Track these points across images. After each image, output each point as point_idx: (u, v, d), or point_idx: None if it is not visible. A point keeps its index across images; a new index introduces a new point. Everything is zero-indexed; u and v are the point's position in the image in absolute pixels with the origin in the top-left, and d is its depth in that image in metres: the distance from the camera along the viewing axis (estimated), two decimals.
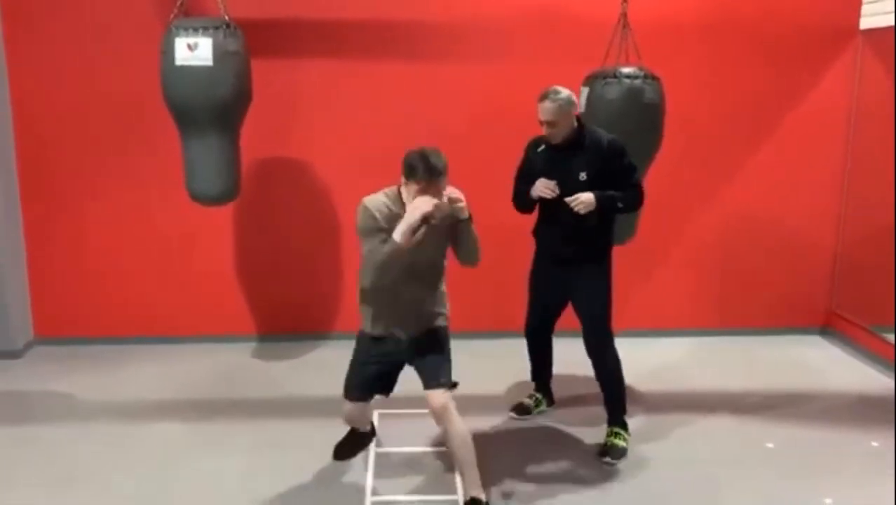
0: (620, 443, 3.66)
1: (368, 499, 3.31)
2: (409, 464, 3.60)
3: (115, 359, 4.81)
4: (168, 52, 3.85)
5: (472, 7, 4.79)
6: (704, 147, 5.03)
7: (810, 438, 3.87)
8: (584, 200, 3.40)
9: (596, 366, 3.69)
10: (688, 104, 4.72)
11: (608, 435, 3.70)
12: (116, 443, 3.78)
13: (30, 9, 4.64)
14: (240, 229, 5.01)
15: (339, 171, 4.89)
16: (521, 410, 4.07)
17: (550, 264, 3.73)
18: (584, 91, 3.99)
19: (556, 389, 4.17)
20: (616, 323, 3.73)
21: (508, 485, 3.40)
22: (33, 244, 4.92)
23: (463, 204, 3.03)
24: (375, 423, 3.90)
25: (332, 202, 4.98)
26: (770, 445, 3.78)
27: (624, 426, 3.73)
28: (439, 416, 3.08)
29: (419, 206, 2.92)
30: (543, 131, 3.52)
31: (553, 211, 3.56)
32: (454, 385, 3.14)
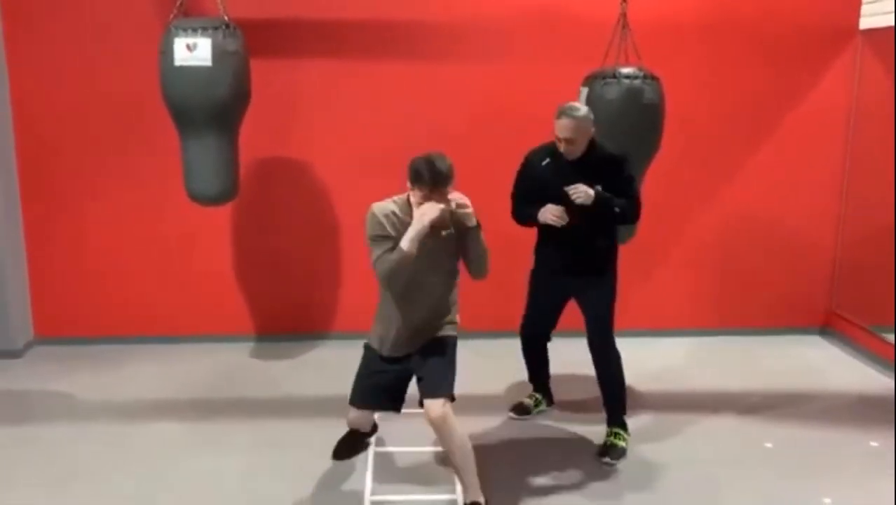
0: (620, 443, 3.66)
1: (368, 499, 3.31)
2: (409, 464, 3.61)
3: (114, 358, 4.81)
4: (167, 52, 3.85)
5: (472, 7, 4.79)
6: (704, 147, 5.03)
7: (810, 437, 3.87)
8: (583, 190, 3.38)
9: (598, 365, 3.69)
10: (687, 104, 4.72)
11: (608, 435, 3.70)
12: (116, 442, 3.78)
13: (30, 9, 4.64)
14: (239, 229, 5.01)
15: (338, 171, 4.89)
16: (520, 409, 4.07)
17: (555, 272, 3.72)
18: (584, 91, 3.99)
19: (556, 389, 4.18)
20: (616, 323, 3.73)
21: (508, 485, 3.39)
22: (33, 244, 4.92)
23: (470, 210, 3.01)
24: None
25: (331, 202, 4.98)
26: (769, 445, 3.78)
27: (623, 427, 3.73)
28: (437, 427, 3.06)
29: (426, 212, 2.91)
30: (560, 147, 3.49)
31: (557, 233, 3.52)
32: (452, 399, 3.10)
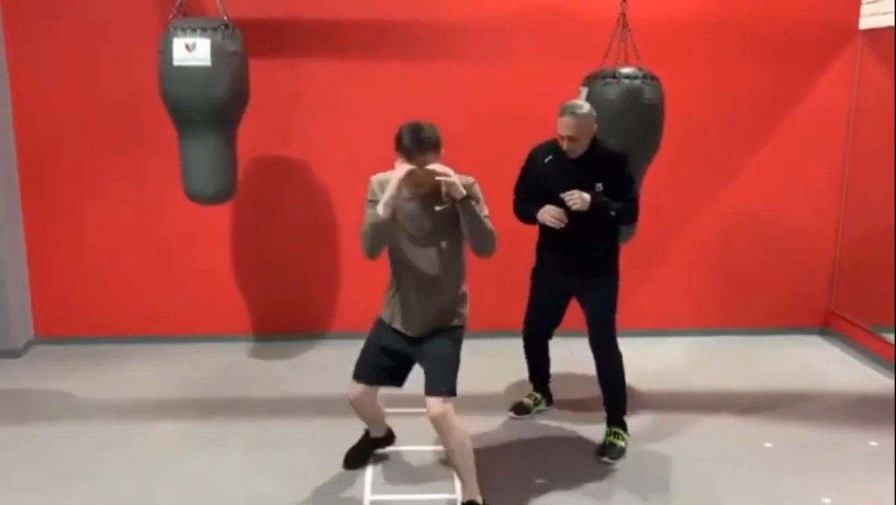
0: (619, 443, 3.66)
1: (367, 498, 3.31)
2: (408, 463, 3.60)
3: (114, 358, 4.81)
4: (166, 52, 3.85)
5: (472, 7, 4.79)
6: (704, 147, 5.03)
7: (809, 437, 3.87)
8: (579, 196, 3.38)
9: (599, 365, 3.69)
10: (687, 104, 4.72)
11: (607, 435, 3.70)
12: (115, 442, 3.78)
13: (30, 9, 4.65)
14: (239, 229, 5.01)
15: (337, 171, 4.89)
16: (520, 409, 4.07)
17: (556, 272, 3.72)
18: (584, 91, 3.99)
19: (556, 389, 4.18)
20: (617, 323, 3.73)
21: (507, 484, 3.39)
22: (33, 244, 4.92)
23: (451, 180, 2.89)
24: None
25: (330, 202, 4.98)
26: (769, 445, 3.78)
27: (623, 426, 3.73)
28: (437, 424, 3.06)
29: (396, 172, 2.91)
30: (563, 145, 3.49)
31: (558, 234, 3.52)
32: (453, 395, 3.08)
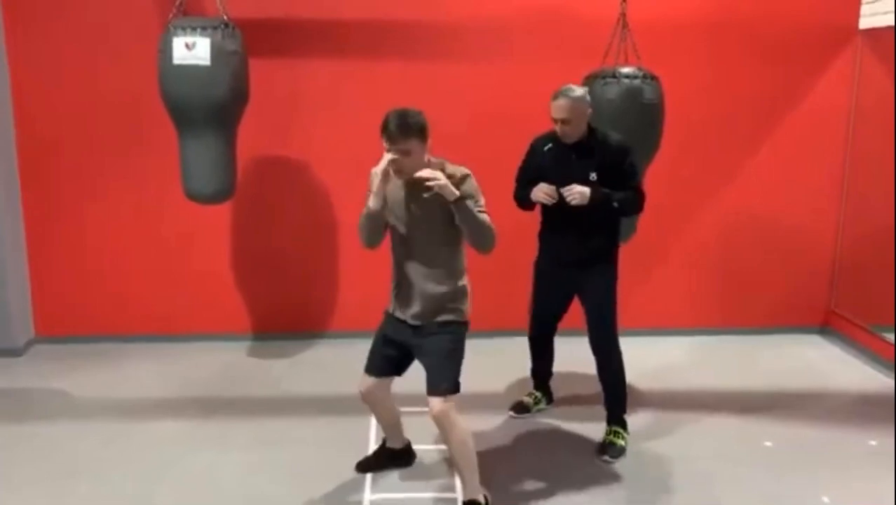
0: (619, 442, 3.66)
1: (368, 496, 3.32)
2: None
3: (114, 357, 4.82)
4: (166, 51, 3.86)
5: (472, 7, 4.79)
6: (704, 147, 5.04)
7: (809, 436, 3.87)
8: (578, 192, 3.39)
9: (600, 364, 3.70)
10: (687, 104, 4.72)
11: (607, 434, 3.70)
12: (115, 440, 3.78)
13: (31, 9, 4.65)
14: (238, 229, 5.02)
15: (337, 170, 4.89)
16: (520, 408, 4.07)
17: (556, 267, 3.72)
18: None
19: (556, 388, 4.18)
20: (618, 322, 3.73)
21: (507, 483, 3.40)
22: (34, 244, 4.93)
23: (441, 182, 2.86)
24: (374, 421, 3.91)
25: (330, 202, 4.99)
26: (769, 444, 3.78)
27: (623, 425, 3.73)
28: (438, 423, 3.05)
29: (380, 164, 2.93)
30: (557, 129, 3.49)
31: (559, 216, 3.54)
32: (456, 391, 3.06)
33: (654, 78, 3.99)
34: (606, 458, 3.60)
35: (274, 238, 5.03)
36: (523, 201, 3.67)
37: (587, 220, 3.50)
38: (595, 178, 3.45)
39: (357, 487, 3.39)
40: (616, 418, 3.72)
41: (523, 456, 3.67)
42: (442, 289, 3.08)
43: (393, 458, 3.54)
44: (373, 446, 3.67)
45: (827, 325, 5.31)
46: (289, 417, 4.05)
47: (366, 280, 4.84)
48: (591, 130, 3.52)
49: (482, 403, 4.11)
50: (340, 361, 4.64)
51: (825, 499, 3.31)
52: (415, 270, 3.08)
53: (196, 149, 4.02)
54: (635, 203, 3.55)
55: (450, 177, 2.93)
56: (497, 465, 3.53)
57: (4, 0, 4.64)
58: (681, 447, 3.75)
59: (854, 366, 4.82)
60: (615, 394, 3.73)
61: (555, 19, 4.80)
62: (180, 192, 4.18)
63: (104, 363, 4.74)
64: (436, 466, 3.55)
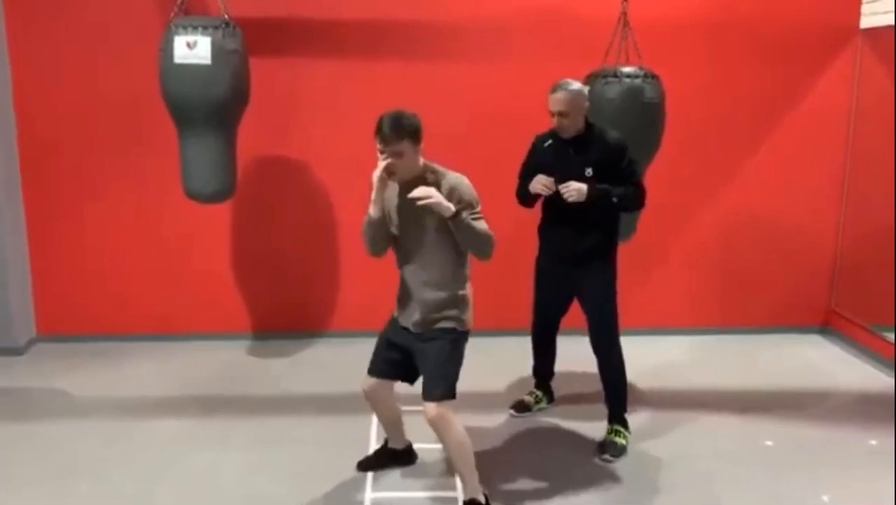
0: (620, 440, 3.67)
1: (368, 495, 3.32)
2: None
3: (115, 356, 4.82)
4: (167, 50, 3.86)
5: (472, 7, 4.79)
6: (705, 146, 5.04)
7: (809, 436, 3.87)
8: (575, 188, 3.40)
9: (601, 363, 3.70)
10: (688, 103, 4.72)
11: (608, 432, 3.71)
12: (116, 439, 3.79)
13: (32, 9, 4.65)
14: (238, 228, 5.02)
15: (337, 170, 4.89)
16: (521, 407, 4.08)
17: (555, 263, 3.72)
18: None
19: (557, 387, 4.18)
20: (619, 321, 3.73)
21: (508, 482, 3.40)
22: (35, 243, 4.93)
23: (434, 201, 2.86)
24: (375, 420, 3.92)
25: (330, 201, 4.99)
26: (769, 443, 3.78)
27: (624, 424, 3.73)
28: (434, 427, 3.06)
29: (375, 172, 2.94)
30: (554, 123, 3.51)
31: (559, 210, 3.55)
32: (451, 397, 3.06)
33: (654, 77, 3.99)
34: (607, 456, 3.60)
35: (274, 237, 5.04)
36: (524, 197, 3.68)
37: (585, 217, 3.51)
38: (591, 173, 3.47)
39: (358, 485, 3.39)
40: (617, 417, 3.73)
41: (524, 455, 3.68)
42: (441, 295, 3.06)
43: (394, 458, 3.54)
44: (373, 445, 3.67)
45: (827, 324, 5.31)
46: (289, 417, 4.05)
47: (366, 280, 4.85)
48: (588, 126, 3.54)
49: (483, 401, 4.11)
50: (340, 361, 4.65)
51: (825, 498, 3.31)
52: (413, 277, 3.09)
53: (196, 148, 4.02)
54: (635, 198, 3.55)
55: (440, 185, 2.94)
56: (497, 463, 3.53)
57: (7, 0, 4.64)
58: (681, 446, 3.75)
59: (854, 365, 4.82)
60: (616, 392, 3.73)
61: (554, 19, 4.81)
62: (181, 192, 4.18)
63: (105, 362, 4.74)
64: (436, 465, 3.55)
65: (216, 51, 3.84)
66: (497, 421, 3.99)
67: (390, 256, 3.21)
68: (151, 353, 4.87)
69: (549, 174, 3.51)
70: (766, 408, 4.18)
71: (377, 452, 3.57)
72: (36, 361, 4.81)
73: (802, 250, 5.22)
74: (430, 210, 2.93)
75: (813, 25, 4.93)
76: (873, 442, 3.80)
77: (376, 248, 3.10)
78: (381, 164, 2.93)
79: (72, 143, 4.82)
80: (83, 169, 4.85)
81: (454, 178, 3.00)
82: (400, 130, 2.90)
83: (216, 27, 3.87)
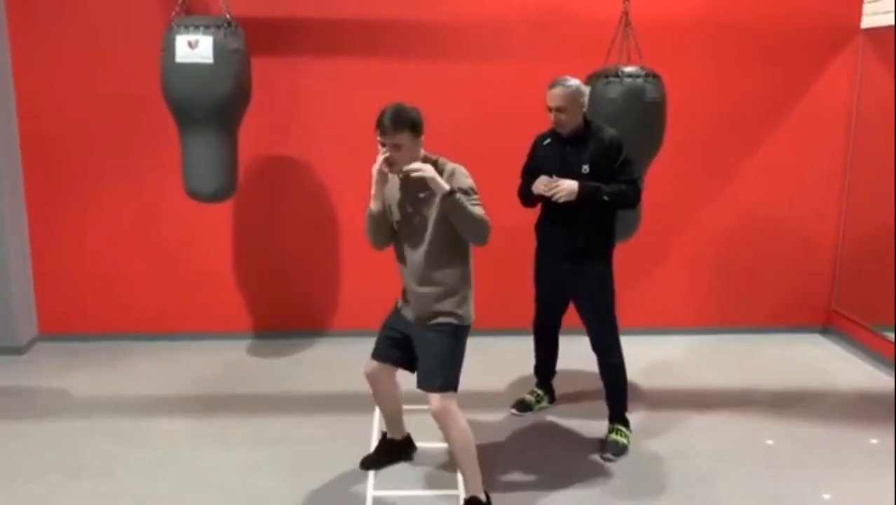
0: (621, 439, 3.67)
1: (370, 493, 3.33)
2: (411, 459, 3.61)
3: (117, 355, 4.83)
4: (169, 49, 3.86)
5: (475, 6, 4.80)
6: (706, 146, 5.04)
7: (810, 434, 3.88)
8: (565, 188, 3.41)
9: (601, 362, 3.71)
10: (689, 103, 4.72)
11: (609, 431, 3.71)
12: (118, 438, 3.79)
13: (33, 8, 4.66)
14: (240, 227, 5.03)
15: (339, 169, 4.90)
16: (522, 406, 4.08)
17: (551, 261, 3.73)
18: (586, 90, 4.00)
19: (558, 385, 4.19)
20: (618, 320, 3.74)
21: (509, 481, 3.41)
22: (38, 243, 4.94)
23: (429, 175, 2.88)
24: (377, 418, 3.93)
25: (331, 200, 4.99)
26: (770, 442, 3.79)
27: (625, 423, 3.74)
28: (437, 419, 3.07)
29: (375, 165, 2.97)
30: (551, 119, 3.53)
31: (555, 208, 3.56)
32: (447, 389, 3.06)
33: (656, 77, 3.99)
34: (608, 455, 3.61)
35: (275, 237, 5.04)
36: (526, 197, 3.70)
37: (581, 215, 3.52)
38: (588, 169, 3.48)
39: (360, 484, 3.40)
40: (618, 416, 3.73)
41: (525, 453, 3.68)
42: (439, 290, 3.06)
43: (394, 449, 3.57)
44: (374, 444, 3.68)
45: (828, 324, 5.32)
46: (290, 416, 4.05)
47: (367, 279, 4.86)
48: (586, 123, 3.56)
49: (484, 400, 4.12)
50: (341, 360, 4.66)
51: (826, 497, 3.32)
52: (412, 271, 3.10)
53: (198, 147, 4.03)
54: (628, 197, 3.53)
55: (441, 172, 2.95)
56: (498, 462, 3.54)
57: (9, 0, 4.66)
58: (682, 445, 3.76)
59: (855, 364, 4.83)
60: (616, 391, 3.74)
61: (555, 19, 4.81)
62: (182, 192, 4.19)
63: (106, 362, 4.75)
64: (438, 464, 3.56)
65: (218, 50, 3.84)
66: (498, 420, 4.00)
67: (391, 254, 3.23)
68: (153, 352, 4.88)
69: (547, 171, 3.53)
70: (767, 407, 4.19)
71: (377, 449, 3.60)
72: (37, 360, 4.81)
73: (803, 250, 5.23)
74: (432, 205, 2.95)
75: (814, 26, 4.93)
76: (874, 441, 3.81)
77: (379, 242, 3.14)
78: (381, 157, 2.95)
79: (74, 144, 4.83)
80: (85, 169, 4.86)
81: (453, 165, 3.03)
82: (400, 122, 2.92)
83: (218, 26, 3.87)
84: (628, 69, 3.96)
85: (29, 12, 4.66)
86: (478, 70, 4.86)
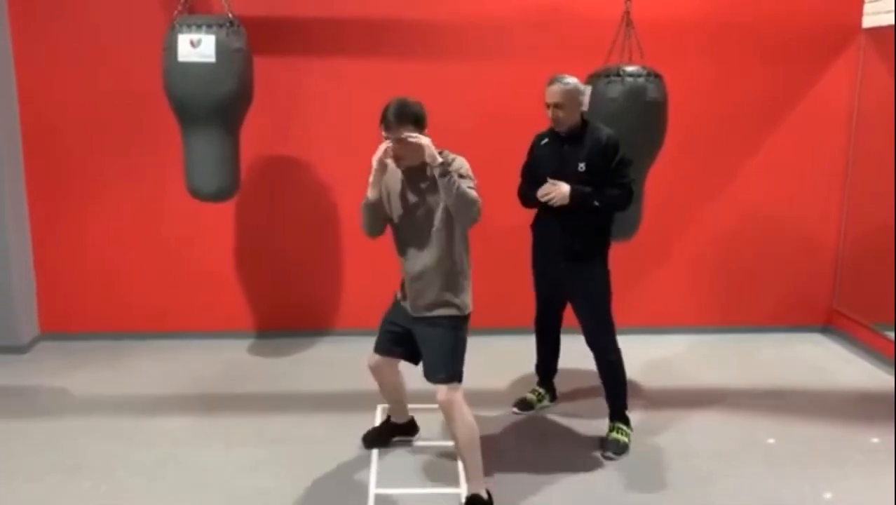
0: (622, 438, 3.67)
1: (372, 491, 3.33)
2: (414, 457, 3.62)
3: (119, 354, 4.84)
4: (171, 48, 3.87)
5: (476, 6, 4.80)
6: (707, 145, 5.04)
7: (811, 433, 3.88)
8: (558, 194, 3.47)
9: (598, 360, 3.71)
10: (690, 102, 4.72)
11: (610, 430, 3.72)
12: (120, 437, 3.80)
13: (36, 7, 4.66)
14: (242, 227, 5.03)
15: (340, 168, 4.90)
16: (523, 405, 4.09)
17: (547, 260, 3.75)
18: (588, 89, 3.99)
19: (559, 384, 4.19)
20: (618, 320, 3.74)
21: (510, 479, 3.41)
22: (39, 242, 4.94)
23: (423, 142, 2.93)
24: (379, 417, 3.93)
25: (333, 200, 5.00)
26: (771, 441, 3.79)
27: (626, 421, 3.74)
28: (444, 410, 3.11)
29: (376, 153, 2.99)
30: (549, 115, 3.55)
31: (550, 208, 3.58)
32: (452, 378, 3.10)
33: (657, 76, 3.99)
34: (609, 454, 3.61)
35: (276, 236, 5.05)
36: (525, 197, 3.72)
37: (574, 215, 3.54)
38: (584, 168, 3.51)
39: (362, 481, 3.40)
40: (618, 414, 3.74)
41: (526, 452, 3.68)
42: (438, 283, 3.09)
43: (396, 431, 3.65)
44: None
45: (829, 323, 5.32)
46: (291, 415, 4.06)
47: (369, 278, 4.86)
48: (584, 122, 3.58)
49: (485, 399, 4.12)
50: (342, 359, 4.67)
51: (827, 495, 3.32)
52: (412, 263, 3.13)
53: (200, 146, 4.03)
54: (618, 200, 3.56)
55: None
56: (500, 460, 3.54)
57: None
58: (683, 444, 3.76)
59: (856, 364, 4.83)
60: (615, 389, 3.74)
61: (556, 18, 4.81)
62: (184, 191, 4.19)
63: (108, 361, 4.76)
64: (440, 462, 3.56)
65: (220, 49, 3.85)
66: (499, 419, 4.00)
67: (391, 253, 3.24)
68: (154, 351, 4.89)
69: (545, 171, 3.58)
70: (768, 406, 4.19)
71: (379, 428, 3.67)
72: (39, 359, 4.82)
73: (804, 249, 5.23)
74: (433, 196, 3.01)
75: (815, 25, 4.93)
76: (875, 440, 3.81)
77: (373, 230, 3.17)
78: (382, 147, 2.98)
79: (75, 143, 4.83)
80: (87, 167, 4.86)
81: (455, 156, 3.08)
82: (404, 117, 2.96)
83: (220, 25, 3.87)
84: (630, 68, 3.97)
85: (31, 10, 4.67)
86: (478, 70, 4.86)
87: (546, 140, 3.69)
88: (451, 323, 3.12)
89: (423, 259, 3.09)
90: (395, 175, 3.11)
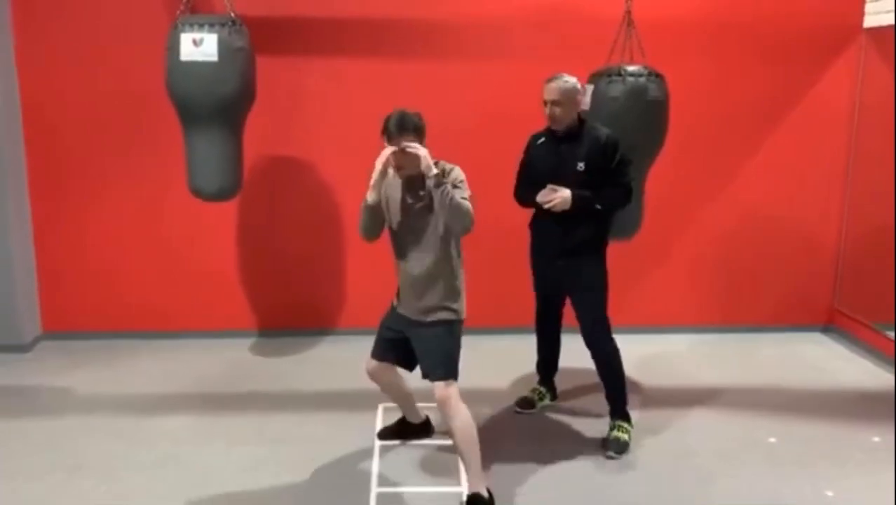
0: (623, 436, 3.68)
1: (374, 489, 3.34)
2: (415, 456, 3.62)
3: (121, 353, 4.84)
4: (173, 47, 3.87)
5: (475, 7, 4.81)
6: (708, 144, 5.05)
7: (812, 433, 3.88)
8: (559, 200, 3.48)
9: (595, 358, 3.72)
10: (690, 103, 4.72)
11: (611, 428, 3.72)
12: (122, 436, 3.80)
13: (38, 6, 4.67)
14: (244, 226, 5.04)
15: (343, 168, 4.90)
16: (525, 404, 4.09)
17: (544, 257, 3.76)
18: (589, 89, 4.01)
19: (560, 383, 4.20)
20: (618, 319, 3.75)
21: (511, 478, 3.41)
22: (41, 241, 4.95)
23: (420, 153, 3.00)
24: (380, 417, 3.94)
25: (335, 199, 5.00)
26: (772, 440, 3.79)
27: (626, 419, 3.75)
28: (441, 407, 3.15)
29: (378, 159, 3.05)
30: (546, 112, 3.56)
31: (544, 216, 3.60)
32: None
33: (659, 76, 4.00)
34: (610, 453, 3.61)
35: (278, 235, 5.05)
36: (523, 199, 3.73)
37: (570, 214, 3.54)
38: (583, 167, 3.52)
39: (363, 480, 3.40)
40: (618, 412, 3.74)
41: (526, 451, 3.69)
42: (435, 288, 3.18)
43: (410, 431, 3.72)
44: (377, 443, 3.70)
45: (830, 322, 5.32)
46: (292, 414, 4.06)
47: (371, 277, 4.85)
48: (581, 122, 3.60)
49: (486, 398, 4.13)
50: (346, 358, 4.67)
51: (829, 493, 3.32)
52: (409, 269, 3.19)
53: (202, 146, 4.03)
54: (618, 200, 3.59)
55: (441, 172, 3.05)
56: (501, 459, 3.54)
57: None
58: (684, 443, 3.77)
59: (857, 363, 4.83)
60: (614, 388, 3.75)
61: (557, 18, 4.82)
62: (186, 190, 4.20)
63: (110, 360, 4.76)
64: (441, 461, 3.57)
65: (223, 48, 3.85)
66: (500, 418, 4.01)
67: (392, 253, 3.25)
68: (157, 350, 4.89)
69: (542, 170, 3.59)
70: (769, 405, 4.19)
71: (395, 426, 3.73)
72: (41, 358, 4.83)
73: (805, 249, 5.23)
74: (431, 204, 3.05)
75: (816, 25, 4.94)
76: (876, 439, 3.81)
77: (370, 233, 3.22)
78: (387, 150, 3.04)
79: (78, 142, 4.84)
80: (89, 167, 4.87)
81: (451, 166, 3.15)
82: (405, 128, 3.05)
83: (223, 25, 3.88)
84: (631, 68, 3.97)
85: (32, 10, 4.68)
86: (478, 70, 4.87)
87: (542, 140, 3.70)
88: (448, 327, 3.20)
89: (420, 266, 3.16)
90: (394, 183, 3.18)
